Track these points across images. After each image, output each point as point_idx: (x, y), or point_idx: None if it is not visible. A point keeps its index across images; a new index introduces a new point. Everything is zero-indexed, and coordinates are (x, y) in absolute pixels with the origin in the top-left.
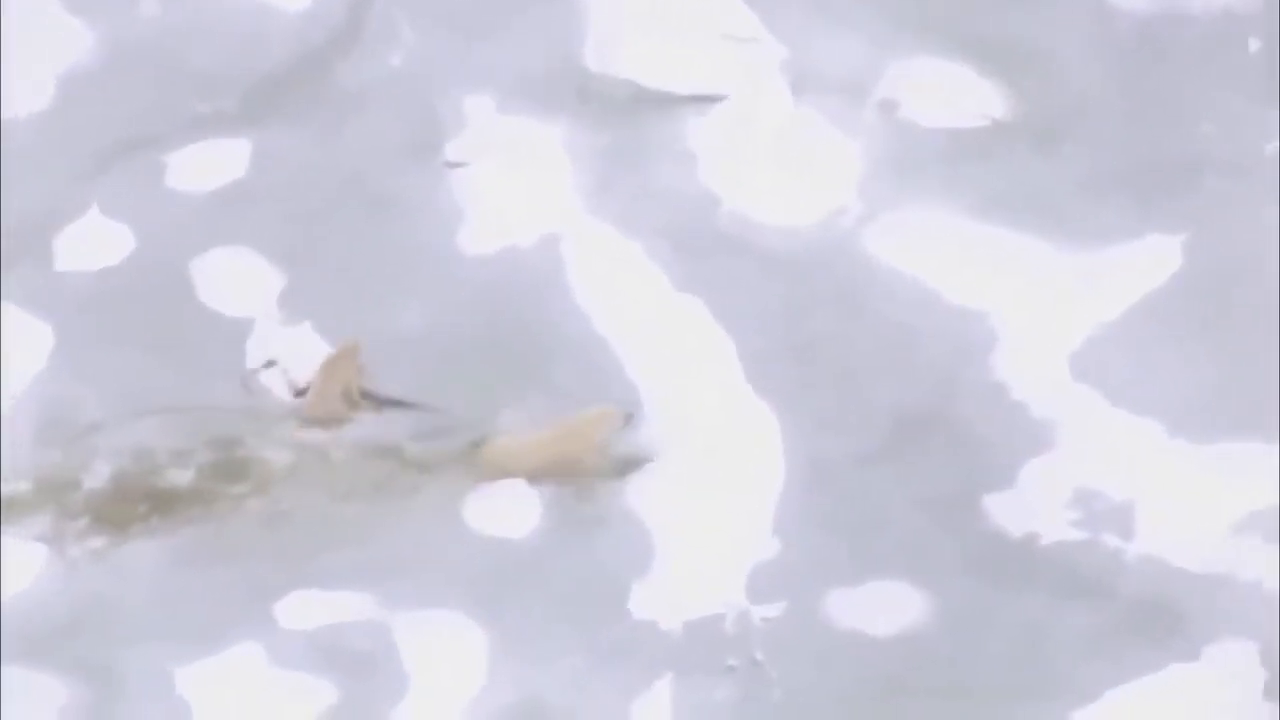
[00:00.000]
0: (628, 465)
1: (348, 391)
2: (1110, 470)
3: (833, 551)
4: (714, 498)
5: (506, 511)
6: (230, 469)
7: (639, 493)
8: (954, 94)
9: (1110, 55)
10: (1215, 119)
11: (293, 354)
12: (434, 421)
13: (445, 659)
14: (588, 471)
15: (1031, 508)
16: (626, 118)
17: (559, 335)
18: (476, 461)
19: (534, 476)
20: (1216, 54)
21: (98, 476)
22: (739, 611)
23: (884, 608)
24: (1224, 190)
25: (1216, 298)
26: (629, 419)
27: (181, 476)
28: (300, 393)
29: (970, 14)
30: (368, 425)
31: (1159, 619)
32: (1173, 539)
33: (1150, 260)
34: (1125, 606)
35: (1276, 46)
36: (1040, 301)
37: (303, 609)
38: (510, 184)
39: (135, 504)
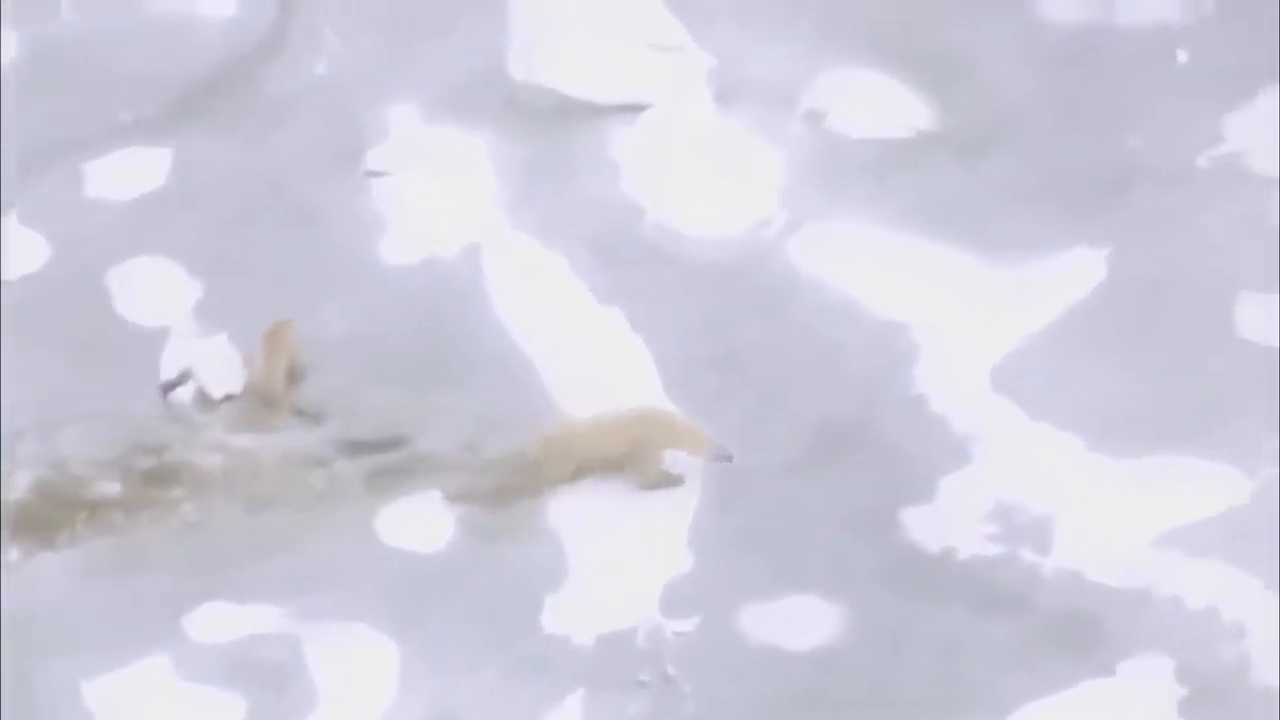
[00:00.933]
0: (665, 481)
1: (290, 365)
2: (1029, 484)
3: (748, 565)
4: (629, 512)
5: (420, 525)
6: (161, 475)
7: (553, 506)
8: (881, 105)
9: (1038, 67)
10: (1143, 131)
11: (207, 365)
12: (359, 431)
13: (356, 672)
14: (643, 474)
15: (950, 521)
16: (551, 127)
17: (479, 345)
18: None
19: (600, 467)
20: (1145, 66)
21: (16, 488)
22: (652, 626)
23: (799, 622)
24: (1150, 203)
25: (1139, 311)
26: (724, 456)
27: (110, 486)
28: (224, 398)
29: (898, 26)
30: (296, 435)
31: (1076, 633)
32: (1091, 553)
33: (1074, 273)
34: (1042, 621)
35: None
36: (963, 314)
37: (214, 621)
38: (432, 193)
39: (60, 514)
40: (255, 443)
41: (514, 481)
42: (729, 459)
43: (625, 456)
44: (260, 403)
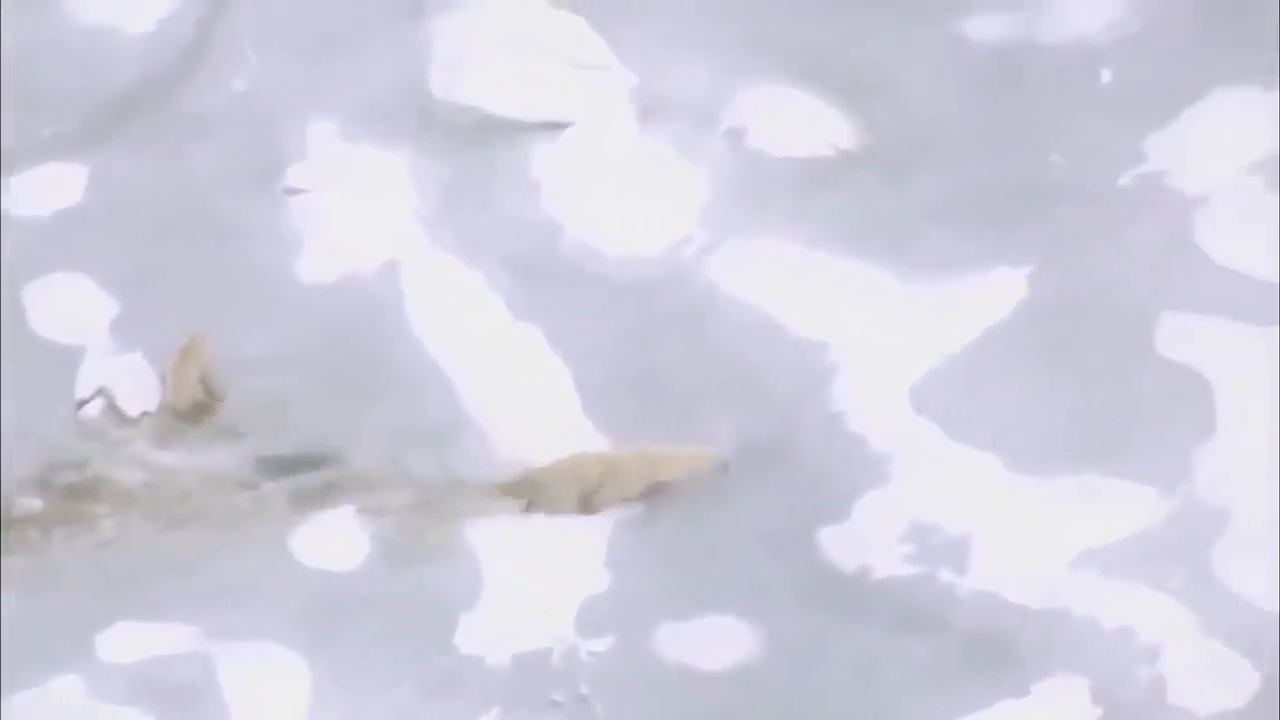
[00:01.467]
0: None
1: (205, 377)
2: (947, 504)
3: (665, 585)
4: (546, 530)
5: (334, 543)
6: (83, 491)
7: (470, 524)
8: (803, 122)
9: (961, 85)
10: (1066, 149)
11: (122, 382)
12: (280, 449)
13: (268, 692)
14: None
15: (866, 541)
16: (471, 145)
17: (397, 365)
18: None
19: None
20: (1069, 84)
21: None
22: (567, 646)
23: (714, 642)
24: (1073, 222)
25: (1060, 330)
26: (724, 468)
27: (30, 503)
28: (141, 415)
29: (820, 42)
30: (218, 453)
31: (992, 654)
32: (1008, 574)
33: (995, 292)
34: (958, 641)
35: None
36: (883, 333)
37: (125, 640)
38: (351, 211)
39: None
40: (178, 460)
41: (436, 499)
42: (725, 466)
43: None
44: (178, 418)
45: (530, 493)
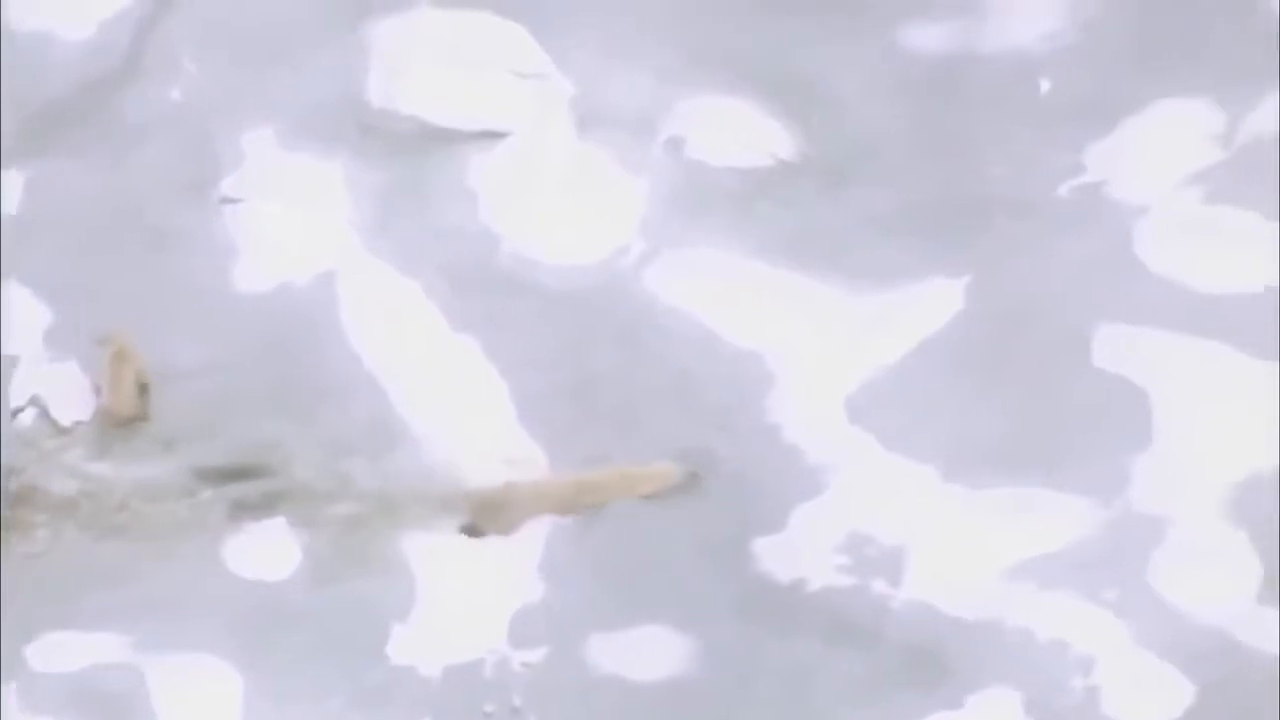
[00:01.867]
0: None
1: (140, 375)
2: (883, 515)
3: (599, 595)
4: (478, 541)
5: (267, 554)
6: (20, 501)
7: (404, 535)
8: (742, 133)
9: (901, 96)
10: (1004, 161)
11: (56, 391)
12: (216, 459)
13: (199, 702)
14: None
15: (801, 552)
16: (409, 154)
17: (332, 374)
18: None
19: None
20: (1007, 95)
21: None
22: (499, 657)
23: (647, 653)
24: (1011, 232)
25: (997, 341)
26: (693, 479)
27: None
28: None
29: (760, 53)
30: (154, 463)
31: (925, 666)
32: (943, 585)
33: (932, 303)
34: (892, 653)
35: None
36: (820, 343)
37: (56, 651)
38: (287, 220)
39: None
40: (112, 470)
41: (373, 511)
42: (695, 477)
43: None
44: (113, 424)
45: (496, 511)
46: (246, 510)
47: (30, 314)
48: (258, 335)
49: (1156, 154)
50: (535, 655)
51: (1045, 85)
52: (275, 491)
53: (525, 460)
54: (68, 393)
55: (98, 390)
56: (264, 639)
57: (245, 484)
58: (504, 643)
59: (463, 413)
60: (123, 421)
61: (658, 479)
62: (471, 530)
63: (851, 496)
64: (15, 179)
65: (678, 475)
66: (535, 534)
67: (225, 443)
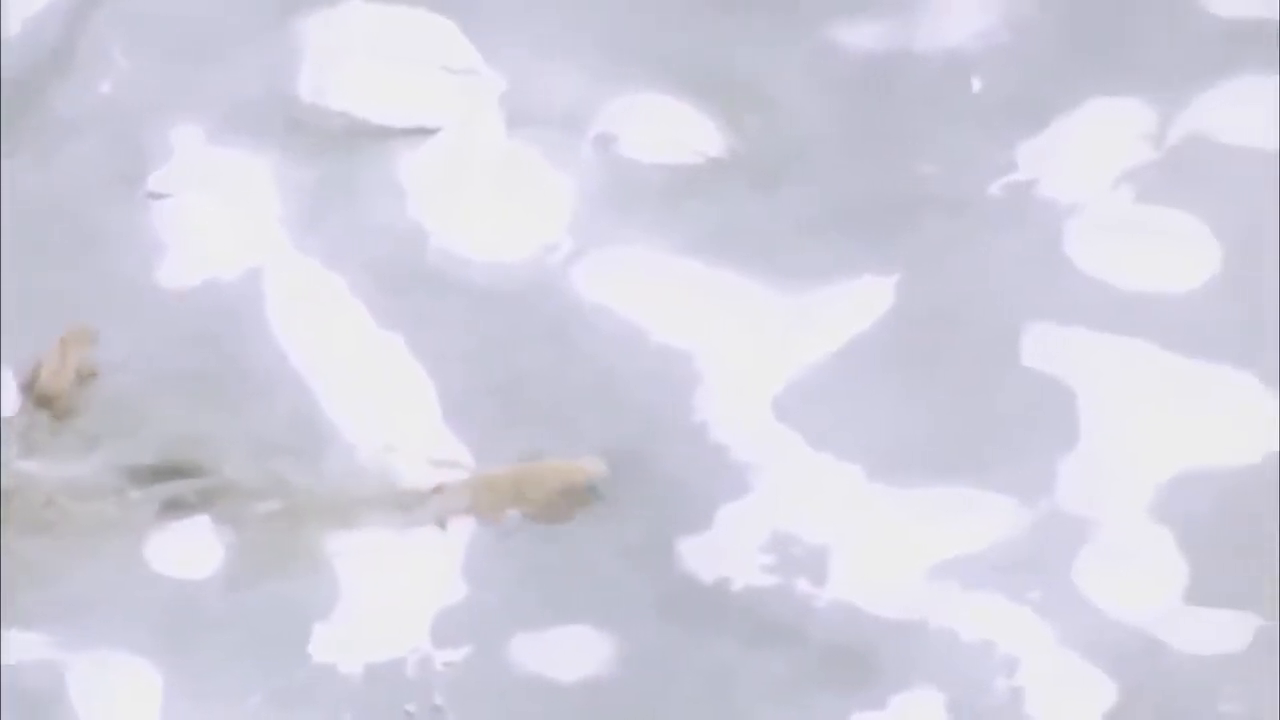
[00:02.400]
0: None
1: (81, 370)
2: (808, 514)
3: (521, 595)
4: (404, 539)
5: (188, 551)
6: None
7: (328, 533)
8: (672, 130)
9: (832, 93)
10: (936, 158)
11: None
12: (142, 457)
13: (118, 701)
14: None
15: (726, 552)
16: (338, 150)
17: (258, 371)
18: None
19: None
20: (939, 93)
21: None
22: (421, 656)
23: (569, 653)
24: (941, 231)
25: (926, 339)
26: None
27: None
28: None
29: (692, 49)
30: (82, 461)
31: (848, 666)
32: (867, 585)
33: (861, 301)
34: (815, 653)
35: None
36: (747, 341)
37: None
38: (215, 216)
39: None
40: (40, 468)
41: (297, 509)
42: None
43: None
44: (42, 406)
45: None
46: (176, 509)
47: None
48: (184, 331)
49: (1088, 153)
50: (458, 654)
51: (977, 84)
52: (204, 489)
53: (451, 459)
54: None
55: (26, 386)
56: (185, 637)
57: (174, 482)
58: (426, 642)
59: (389, 411)
60: (51, 404)
61: (569, 474)
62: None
63: (777, 496)
64: None
65: (586, 473)
66: (459, 533)
67: (152, 440)
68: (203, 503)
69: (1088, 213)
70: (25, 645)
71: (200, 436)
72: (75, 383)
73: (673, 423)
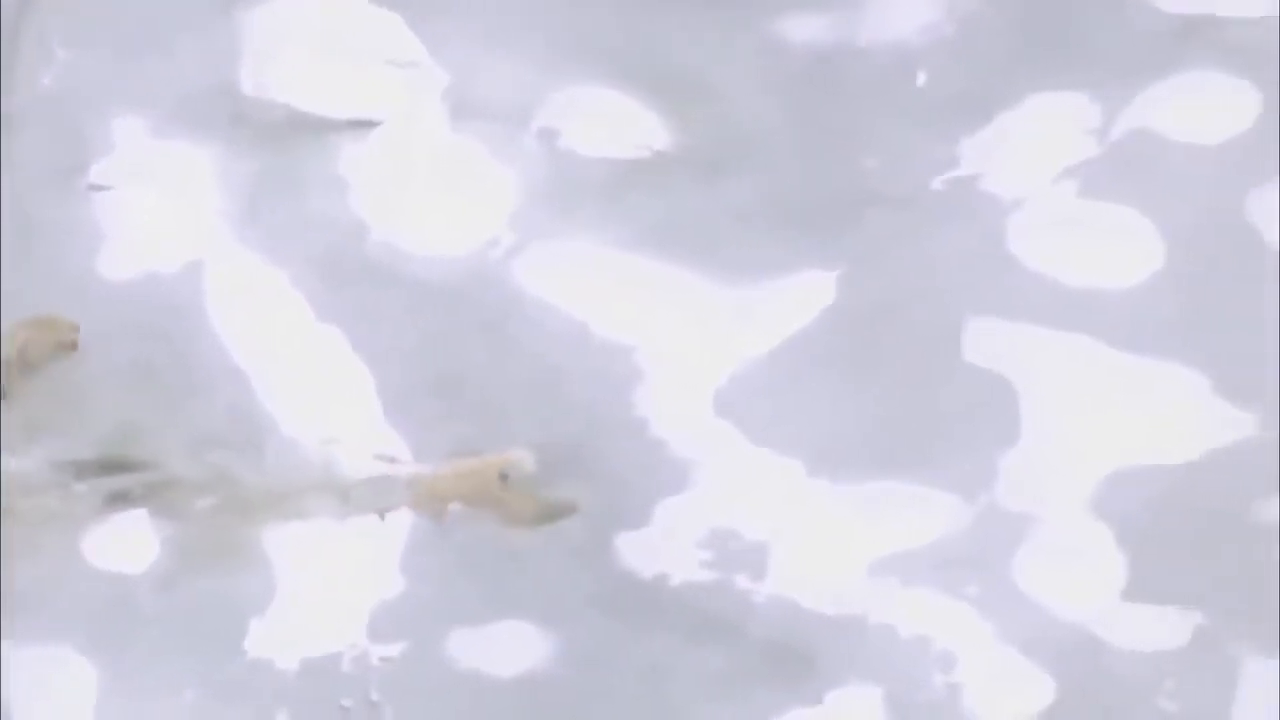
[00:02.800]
0: (556, 512)
1: (60, 345)
2: (747, 510)
3: (460, 590)
4: (341, 534)
5: (125, 546)
6: None
7: (265, 527)
8: (616, 123)
9: (777, 87)
10: (879, 153)
11: None
12: (82, 451)
13: (52, 696)
14: (510, 515)
15: (664, 547)
16: (280, 142)
17: (198, 365)
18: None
19: (474, 501)
20: (884, 87)
21: None
22: (358, 651)
23: (507, 648)
24: (884, 225)
25: (868, 334)
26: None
27: None
28: None
29: (637, 43)
30: (21, 452)
31: (786, 662)
32: (806, 581)
33: (803, 295)
34: (753, 649)
35: (947, 79)
36: (689, 336)
37: None
38: (156, 209)
39: None
40: None
41: (235, 502)
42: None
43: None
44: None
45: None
46: (119, 502)
47: None
48: (125, 324)
49: (1032, 148)
50: (394, 650)
51: (922, 78)
52: (145, 483)
53: (390, 453)
54: None
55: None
56: (120, 632)
57: (118, 476)
58: (363, 637)
59: (329, 404)
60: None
61: (501, 466)
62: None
63: (716, 491)
64: None
65: (514, 464)
66: (398, 528)
67: (94, 433)
68: (145, 496)
69: (1031, 208)
70: None
71: (141, 429)
72: (19, 369)
73: (613, 418)
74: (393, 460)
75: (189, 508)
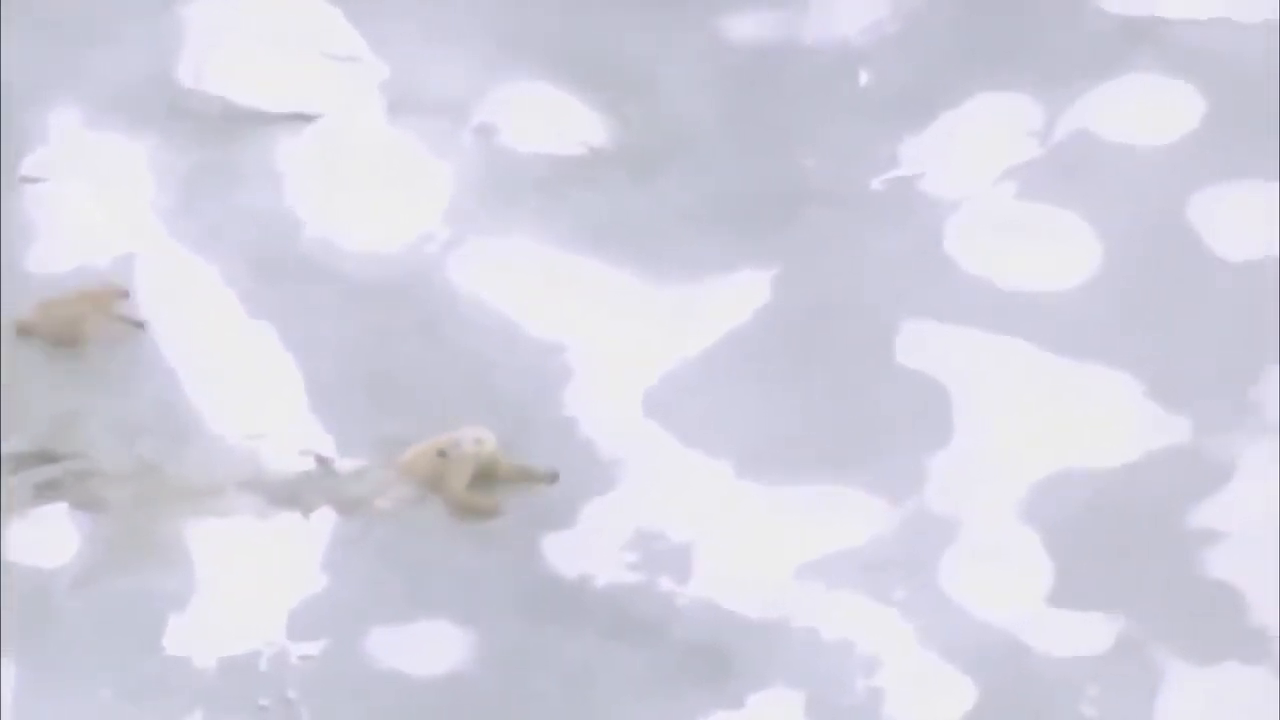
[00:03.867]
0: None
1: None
2: (673, 511)
3: (382, 589)
4: (264, 531)
5: (45, 541)
6: None
7: (187, 523)
8: (555, 120)
9: (720, 85)
10: (819, 152)
11: None
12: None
13: None
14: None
15: (590, 548)
16: (217, 136)
17: (128, 358)
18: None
19: (424, 483)
20: (826, 87)
21: None
22: (277, 649)
23: (428, 647)
24: (820, 225)
25: (801, 335)
26: (480, 442)
27: None
28: None
29: (580, 41)
30: None
31: (708, 664)
32: (730, 583)
33: (738, 295)
34: (675, 651)
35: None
36: (622, 335)
37: None
38: (89, 202)
39: None
40: None
41: (160, 497)
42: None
43: (432, 482)
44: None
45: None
46: (47, 492)
47: None
48: None
49: (973, 149)
50: (314, 648)
51: (865, 77)
52: (72, 472)
53: (314, 449)
54: None
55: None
56: (39, 627)
57: (45, 467)
58: (282, 635)
59: (256, 401)
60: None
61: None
62: None
63: (643, 492)
64: None
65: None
66: (321, 526)
67: (22, 425)
68: (70, 487)
69: (970, 209)
70: None
71: (70, 421)
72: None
73: (542, 417)
74: (317, 457)
75: (111, 500)
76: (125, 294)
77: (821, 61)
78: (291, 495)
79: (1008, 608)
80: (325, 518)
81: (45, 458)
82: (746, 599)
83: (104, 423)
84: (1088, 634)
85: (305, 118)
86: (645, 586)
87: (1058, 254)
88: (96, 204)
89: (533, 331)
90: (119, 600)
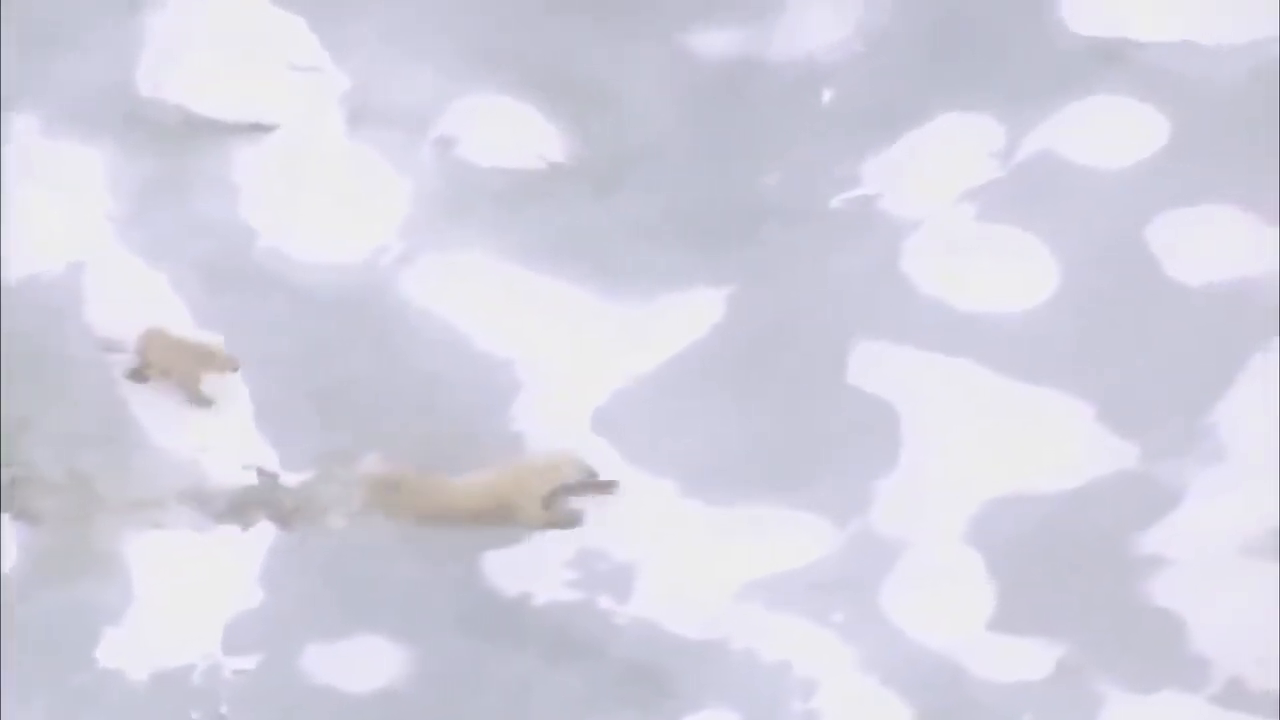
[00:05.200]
0: (569, 520)
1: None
2: (616, 530)
3: (319, 604)
4: (202, 544)
5: None
6: None
7: (124, 534)
8: (514, 134)
9: (682, 100)
10: (781, 169)
11: None
12: None
13: None
14: (524, 522)
15: (531, 566)
16: (174, 145)
17: (73, 370)
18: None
19: (469, 520)
20: (789, 103)
21: None
22: (211, 663)
23: (363, 663)
24: (779, 243)
25: (754, 353)
26: (590, 473)
27: None
28: None
29: (542, 53)
30: None
31: (646, 685)
32: (671, 603)
33: (692, 312)
34: (613, 671)
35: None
36: (573, 351)
37: None
38: (42, 209)
39: None
40: None
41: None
42: (592, 473)
43: (493, 514)
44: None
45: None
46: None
47: None
48: (4, 325)
49: (934, 169)
50: (248, 663)
51: (828, 95)
52: (9, 480)
53: (257, 462)
54: None
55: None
56: None
57: None
58: (217, 649)
59: (200, 412)
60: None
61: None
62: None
63: (587, 510)
64: None
65: (576, 468)
66: (259, 539)
67: None
68: (9, 496)
69: (928, 230)
70: None
71: (13, 430)
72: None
73: (489, 432)
74: (260, 470)
75: (48, 510)
76: (235, 368)
77: (785, 79)
78: (232, 508)
79: (948, 632)
80: (265, 531)
81: None
82: (687, 619)
83: (42, 431)
84: (1028, 659)
85: (263, 128)
86: (585, 605)
87: (1015, 276)
88: (51, 212)
89: (483, 346)
90: (53, 611)
